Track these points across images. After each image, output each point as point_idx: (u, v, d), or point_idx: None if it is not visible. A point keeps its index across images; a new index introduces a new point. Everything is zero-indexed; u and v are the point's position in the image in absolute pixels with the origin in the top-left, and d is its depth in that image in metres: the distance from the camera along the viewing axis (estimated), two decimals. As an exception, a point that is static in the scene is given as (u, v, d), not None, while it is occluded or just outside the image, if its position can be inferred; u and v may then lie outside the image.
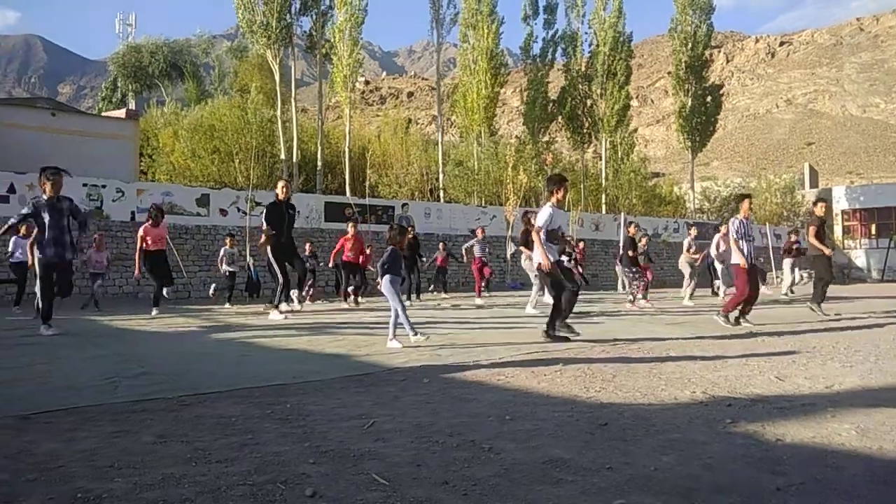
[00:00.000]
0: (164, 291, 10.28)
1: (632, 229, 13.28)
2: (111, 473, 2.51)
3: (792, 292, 15.51)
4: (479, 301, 13.19)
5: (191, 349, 6.42)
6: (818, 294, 9.87)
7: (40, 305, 7.35)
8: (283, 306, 9.38)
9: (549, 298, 11.08)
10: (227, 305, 12.23)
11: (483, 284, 14.26)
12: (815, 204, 10.66)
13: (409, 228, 13.71)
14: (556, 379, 4.51)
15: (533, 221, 11.17)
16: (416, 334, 6.13)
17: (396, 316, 6.18)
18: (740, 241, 8.40)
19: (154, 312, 10.10)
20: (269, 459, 2.69)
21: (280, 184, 9.50)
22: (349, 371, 4.86)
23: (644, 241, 15.15)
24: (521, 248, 11.33)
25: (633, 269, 12.60)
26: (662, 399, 3.87)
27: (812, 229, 9.91)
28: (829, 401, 3.81)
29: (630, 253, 12.69)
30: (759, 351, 5.88)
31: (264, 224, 9.16)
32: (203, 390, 4.10)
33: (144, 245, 10.12)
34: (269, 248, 9.18)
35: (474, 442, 2.95)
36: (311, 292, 13.97)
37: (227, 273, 12.75)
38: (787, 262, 16.26)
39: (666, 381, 4.38)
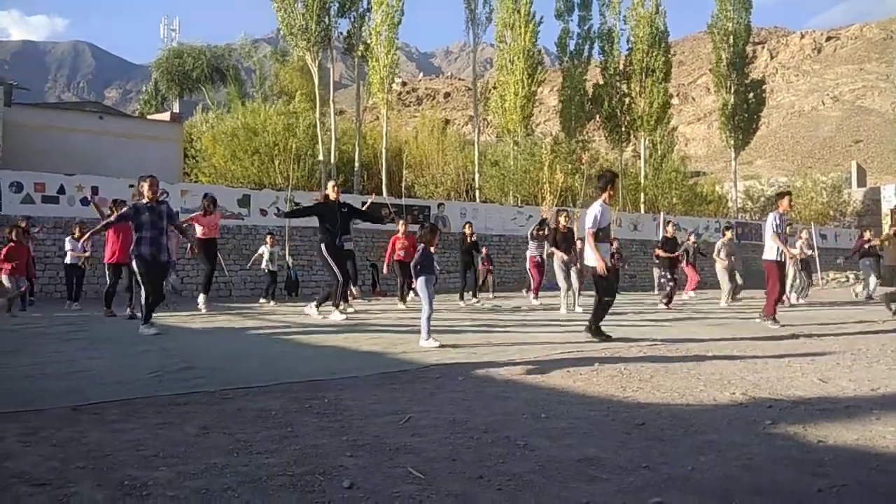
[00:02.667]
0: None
1: (669, 229, 13.03)
2: (156, 462, 2.60)
3: (871, 297, 14.03)
4: (535, 302, 12.71)
5: (232, 345, 6.57)
6: None
7: (143, 303, 7.40)
8: (343, 306, 9.29)
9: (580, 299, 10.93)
10: (268, 302, 12.38)
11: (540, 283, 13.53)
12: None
13: (466, 225, 13.40)
14: (592, 378, 4.49)
15: (564, 221, 11.03)
16: (427, 339, 6.10)
17: (429, 315, 6.20)
18: (778, 237, 8.22)
19: (201, 300, 10.38)
20: (308, 452, 2.75)
21: (331, 184, 9.54)
22: (385, 368, 4.92)
23: (692, 238, 14.68)
24: (553, 249, 11.05)
25: (667, 271, 12.39)
26: (701, 400, 3.83)
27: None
28: (874, 403, 3.71)
29: (661, 253, 12.47)
30: (802, 352, 5.75)
31: (320, 227, 9.09)
32: (244, 385, 4.20)
33: (196, 232, 10.37)
34: (323, 246, 9.02)
35: (509, 438, 2.96)
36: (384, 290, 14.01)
37: (268, 271, 12.92)
38: (864, 263, 14.85)
39: (704, 382, 4.32)
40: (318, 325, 8.38)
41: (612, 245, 7.73)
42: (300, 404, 3.66)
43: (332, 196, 9.25)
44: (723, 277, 13.06)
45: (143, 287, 7.37)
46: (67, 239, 11.59)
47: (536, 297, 12.97)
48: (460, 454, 2.72)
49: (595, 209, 6.61)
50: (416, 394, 3.99)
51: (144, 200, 7.46)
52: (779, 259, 8.29)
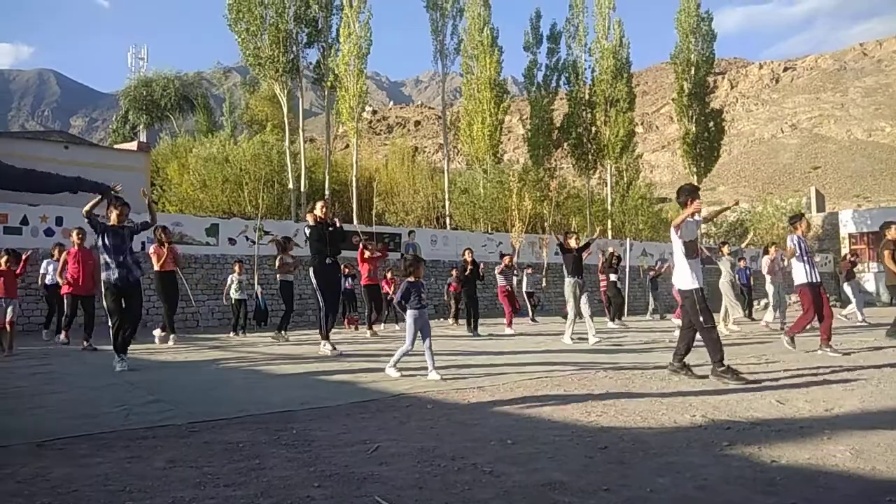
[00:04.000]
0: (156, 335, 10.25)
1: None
2: (123, 497, 2.61)
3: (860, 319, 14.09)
4: (508, 330, 12.57)
5: (200, 377, 6.52)
6: None
7: (113, 337, 7.06)
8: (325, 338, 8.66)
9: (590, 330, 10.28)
10: (231, 334, 12.27)
11: (513, 311, 13.54)
12: (885, 227, 10.07)
13: (468, 251, 12.99)
14: (559, 403, 4.58)
15: (574, 243, 10.27)
16: (392, 367, 6.01)
17: (407, 350, 6.04)
18: (800, 258, 8.03)
19: (158, 336, 10.09)
20: (276, 483, 2.77)
21: (319, 203, 8.92)
22: (355, 397, 4.94)
23: (658, 263, 15.01)
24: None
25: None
26: (662, 423, 3.93)
27: (887, 253, 9.51)
28: (827, 423, 3.86)
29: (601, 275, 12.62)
30: (763, 374, 5.92)
31: (312, 250, 8.62)
32: (212, 417, 4.19)
33: (157, 262, 10.14)
34: (312, 270, 8.64)
35: (476, 465, 3.02)
36: (356, 317, 14.03)
37: (235, 301, 12.79)
38: (847, 287, 15.10)
39: (667, 406, 4.44)
40: (287, 355, 8.35)
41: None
42: (268, 436, 3.67)
43: (321, 215, 8.69)
44: (727, 290, 12.58)
45: (109, 319, 7.14)
46: (45, 262, 11.55)
47: (510, 326, 12.92)
48: (427, 482, 2.78)
49: (687, 218, 5.91)
50: (385, 423, 4.03)
51: (111, 223, 7.30)
52: (810, 281, 7.97)
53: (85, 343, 9.36)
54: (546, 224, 24.89)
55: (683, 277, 5.91)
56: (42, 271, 11.60)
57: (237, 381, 6.23)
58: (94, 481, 2.81)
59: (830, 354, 7.53)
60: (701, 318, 5.72)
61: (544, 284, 18.46)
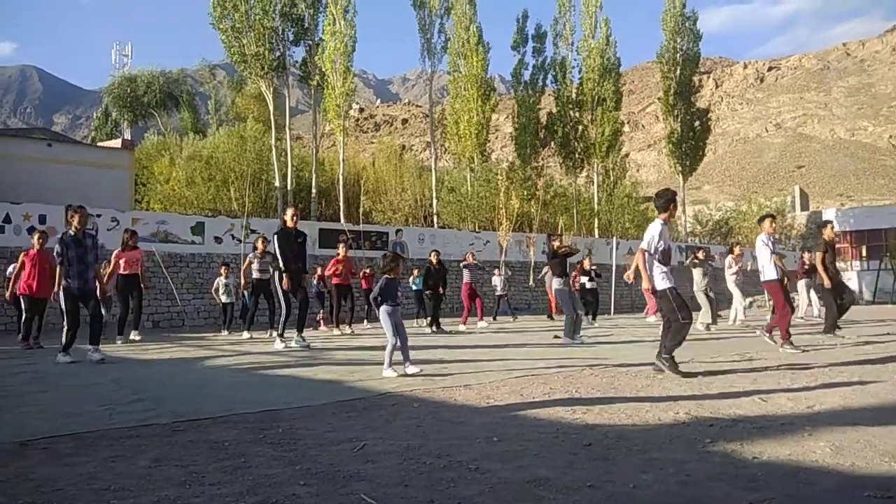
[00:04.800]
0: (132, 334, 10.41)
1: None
2: (107, 496, 2.59)
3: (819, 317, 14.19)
4: (462, 328, 13.05)
5: (185, 376, 6.49)
6: (831, 322, 9.64)
7: (65, 335, 7.57)
8: (291, 334, 9.19)
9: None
10: (224, 333, 12.27)
11: (471, 311, 14.17)
12: (821, 227, 10.29)
13: (434, 253, 13.53)
14: (545, 401, 4.60)
15: (558, 244, 10.58)
16: (387, 368, 6.02)
17: (394, 345, 6.12)
18: (772, 256, 8.22)
19: (119, 341, 10.08)
20: (261, 482, 2.77)
21: (289, 211, 9.35)
22: (341, 396, 4.94)
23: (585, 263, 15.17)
24: (546, 269, 10.81)
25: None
26: (647, 420, 3.97)
27: (819, 255, 9.73)
28: (808, 420, 3.91)
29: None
30: (746, 372, 5.98)
31: (279, 256, 8.96)
32: (197, 416, 4.18)
33: (117, 269, 10.37)
34: (276, 275, 9.13)
35: (461, 462, 3.03)
36: (324, 315, 14.03)
37: (221, 304, 12.78)
38: (801, 284, 15.41)
39: (652, 403, 4.48)
40: (273, 354, 8.33)
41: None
42: (254, 434, 3.67)
43: (290, 223, 9.13)
44: (701, 299, 12.90)
45: (64, 320, 7.56)
46: (12, 266, 11.18)
47: (465, 323, 13.42)
48: (412, 479, 2.79)
49: (654, 229, 6.06)
50: (371, 421, 4.03)
51: (72, 232, 7.51)
52: (780, 277, 8.21)
53: (33, 340, 9.62)
54: (533, 223, 24.99)
55: (655, 280, 6.04)
56: (7, 275, 11.25)
57: (223, 380, 6.21)
58: (78, 480, 2.80)
59: (790, 351, 7.72)
60: (679, 315, 5.85)
61: (509, 275, 18.81)
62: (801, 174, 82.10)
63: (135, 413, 4.34)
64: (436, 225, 25.97)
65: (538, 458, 3.10)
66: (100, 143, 29.14)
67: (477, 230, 24.68)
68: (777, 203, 40.39)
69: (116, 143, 25.17)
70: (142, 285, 10.78)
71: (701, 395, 4.76)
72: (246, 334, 11.32)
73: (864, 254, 34.35)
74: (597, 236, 28.60)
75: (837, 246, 35.72)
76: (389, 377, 5.90)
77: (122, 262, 10.37)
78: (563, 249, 10.45)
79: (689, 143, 32.65)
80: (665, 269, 6.03)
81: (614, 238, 23.67)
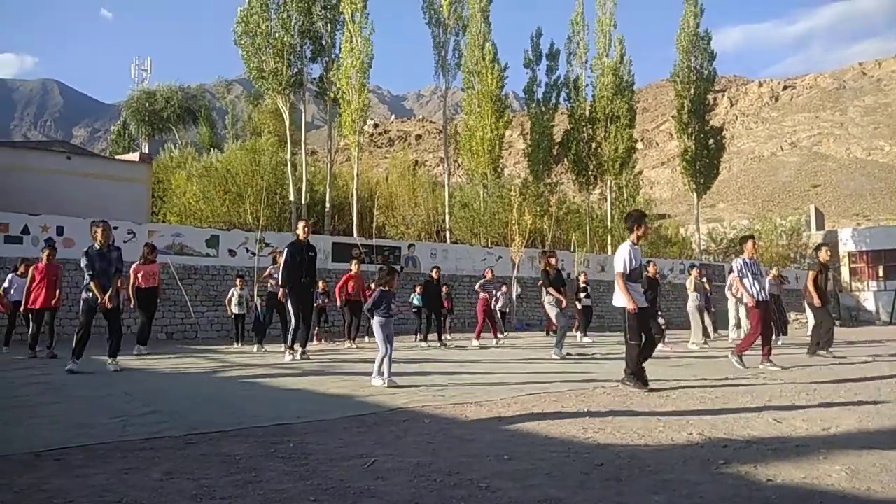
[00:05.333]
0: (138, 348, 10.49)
1: (651, 269, 13.22)
2: (120, 509, 2.61)
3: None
4: (475, 343, 13.17)
5: (197, 389, 6.51)
6: (815, 342, 9.84)
7: (75, 342, 7.77)
8: (297, 347, 9.27)
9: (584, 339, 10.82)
10: (236, 346, 12.33)
11: (492, 325, 14.32)
12: (817, 249, 10.51)
13: (434, 269, 13.98)
14: (556, 419, 4.57)
15: (553, 262, 10.79)
16: (375, 377, 6.30)
17: (384, 356, 6.31)
18: (746, 279, 8.47)
19: (136, 351, 10.14)
20: (272, 497, 2.77)
21: (300, 224, 9.54)
22: (352, 411, 4.94)
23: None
24: (548, 290, 10.90)
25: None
26: (659, 440, 3.93)
27: (811, 274, 9.91)
28: (823, 442, 3.86)
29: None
30: (761, 393, 5.92)
31: (281, 270, 9.21)
32: (209, 429, 4.19)
33: (136, 282, 10.49)
34: (288, 288, 9.19)
35: (472, 481, 3.02)
36: (315, 331, 14.11)
37: (234, 315, 12.85)
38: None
39: (664, 423, 4.44)
40: (285, 367, 8.35)
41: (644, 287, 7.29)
42: (265, 449, 3.67)
43: (302, 236, 9.29)
44: (694, 316, 13.22)
45: (79, 328, 7.71)
46: (10, 276, 11.26)
47: (478, 339, 13.52)
48: (423, 497, 2.78)
49: (624, 251, 6.37)
50: (382, 437, 4.03)
51: (97, 246, 7.68)
52: (758, 299, 8.40)
53: (48, 350, 9.73)
54: (546, 239, 24.95)
55: (618, 297, 6.33)
56: (6, 285, 11.22)
57: (235, 392, 6.23)
58: (90, 492, 2.81)
59: (771, 369, 7.94)
60: (627, 335, 6.29)
61: (518, 292, 18.99)
62: (816, 193, 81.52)
63: (147, 425, 4.36)
64: (448, 240, 26.00)
65: (549, 478, 3.08)
66: (118, 157, 29.51)
67: (489, 246, 24.67)
68: (792, 222, 40.08)
69: (134, 156, 25.49)
70: (158, 300, 10.94)
71: (714, 416, 4.71)
72: (257, 347, 11.37)
73: (880, 274, 33.93)
74: (610, 253, 28.50)
75: (854, 265, 35.43)
76: (378, 385, 6.18)
77: (139, 276, 10.49)
78: (554, 271, 10.72)
79: (704, 161, 32.54)
80: (637, 287, 6.35)
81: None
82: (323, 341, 13.93)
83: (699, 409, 5.00)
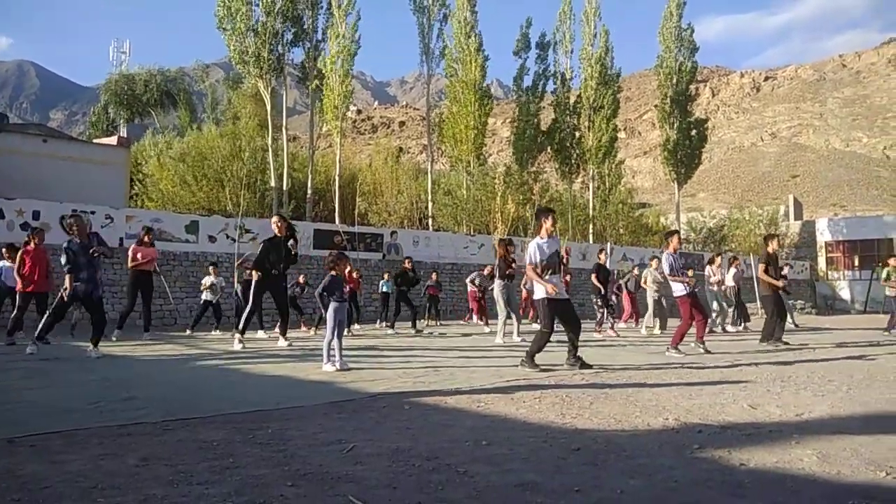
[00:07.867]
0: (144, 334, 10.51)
1: (601, 256, 13.44)
2: (94, 494, 2.59)
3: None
4: (487, 329, 13.43)
5: (175, 375, 6.47)
6: (768, 332, 9.98)
7: (43, 322, 7.95)
8: (255, 335, 9.41)
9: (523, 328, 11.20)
10: (215, 332, 12.24)
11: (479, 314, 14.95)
12: (766, 239, 10.69)
13: (407, 260, 14.42)
14: (535, 405, 4.61)
15: (510, 249, 11.30)
16: (327, 362, 6.40)
17: (329, 341, 6.43)
18: (677, 274, 8.86)
19: (115, 335, 10.01)
20: (249, 482, 2.77)
21: (273, 219, 9.56)
22: (332, 397, 4.94)
23: (635, 269, 15.34)
24: (496, 278, 11.42)
25: (599, 297, 12.77)
26: (636, 425, 3.98)
27: (762, 266, 10.06)
28: (796, 428, 3.93)
29: (595, 280, 12.92)
30: (736, 379, 6.01)
31: (253, 264, 9.35)
32: (187, 415, 4.17)
33: (136, 262, 10.48)
34: (256, 278, 9.21)
35: (450, 466, 3.04)
36: (302, 318, 14.12)
37: (203, 302, 12.86)
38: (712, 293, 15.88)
39: (641, 409, 4.50)
40: (265, 353, 8.32)
41: (565, 276, 8.01)
42: (243, 435, 3.66)
43: (277, 232, 9.28)
44: (650, 304, 13.69)
45: (52, 309, 7.97)
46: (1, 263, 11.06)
47: (467, 321, 14.31)
48: (401, 482, 2.79)
49: (531, 247, 6.82)
50: (361, 423, 4.04)
51: (77, 240, 7.69)
52: (687, 292, 8.78)
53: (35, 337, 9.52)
54: (529, 227, 24.99)
55: (537, 288, 6.81)
56: None
57: (213, 379, 6.20)
58: (66, 478, 2.79)
59: (675, 356, 8.22)
60: (541, 323, 6.87)
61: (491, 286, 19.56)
62: (795, 183, 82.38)
63: (125, 411, 4.33)
64: (431, 227, 25.96)
65: (526, 463, 3.11)
66: (95, 140, 29.04)
67: (472, 233, 24.67)
68: (770, 212, 40.51)
69: (112, 140, 25.10)
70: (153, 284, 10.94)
71: (690, 402, 4.78)
72: (261, 333, 11.44)
73: (856, 263, 34.47)
74: (591, 242, 28.65)
75: (830, 255, 35.89)
76: (330, 370, 6.27)
77: (139, 255, 10.48)
78: (507, 259, 11.17)
79: (685, 152, 32.74)
80: (553, 278, 6.71)
81: (608, 243, 23.71)
82: (313, 330, 13.88)
83: (675, 395, 5.06)
